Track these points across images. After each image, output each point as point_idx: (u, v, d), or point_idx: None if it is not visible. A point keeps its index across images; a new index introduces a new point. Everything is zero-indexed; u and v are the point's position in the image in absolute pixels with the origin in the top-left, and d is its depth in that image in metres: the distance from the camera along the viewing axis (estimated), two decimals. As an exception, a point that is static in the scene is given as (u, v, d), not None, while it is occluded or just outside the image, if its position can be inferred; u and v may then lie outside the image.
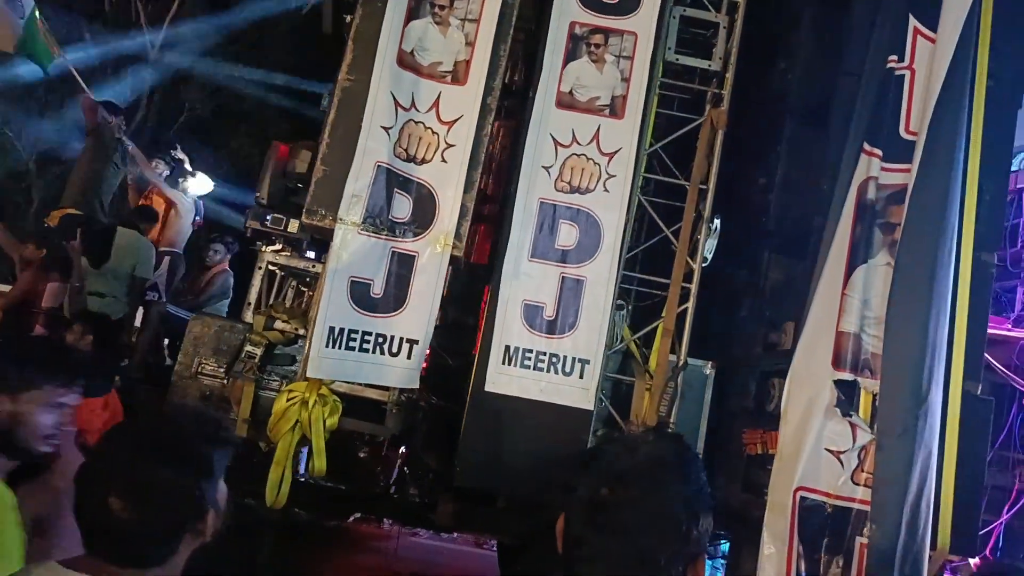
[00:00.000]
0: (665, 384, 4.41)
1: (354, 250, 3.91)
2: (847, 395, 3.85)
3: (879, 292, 3.97)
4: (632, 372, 4.74)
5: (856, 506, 3.72)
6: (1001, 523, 5.44)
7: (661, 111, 4.99)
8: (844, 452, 3.77)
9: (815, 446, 3.83)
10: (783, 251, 5.09)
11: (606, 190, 4.38)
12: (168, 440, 1.55)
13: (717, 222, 4.70)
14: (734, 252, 5.32)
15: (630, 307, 4.92)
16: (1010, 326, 6.63)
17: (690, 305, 4.50)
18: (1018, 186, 7.09)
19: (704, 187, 4.61)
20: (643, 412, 4.39)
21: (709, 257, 4.68)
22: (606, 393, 4.59)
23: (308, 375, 3.98)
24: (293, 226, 4.75)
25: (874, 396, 3.88)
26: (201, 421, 1.66)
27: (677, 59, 4.87)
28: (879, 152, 4.17)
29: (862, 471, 3.75)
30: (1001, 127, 4.45)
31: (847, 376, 3.90)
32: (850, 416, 3.75)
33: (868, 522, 3.63)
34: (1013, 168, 7.07)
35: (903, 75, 4.26)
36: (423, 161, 4.09)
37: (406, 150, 4.09)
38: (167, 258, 6.80)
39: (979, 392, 4.27)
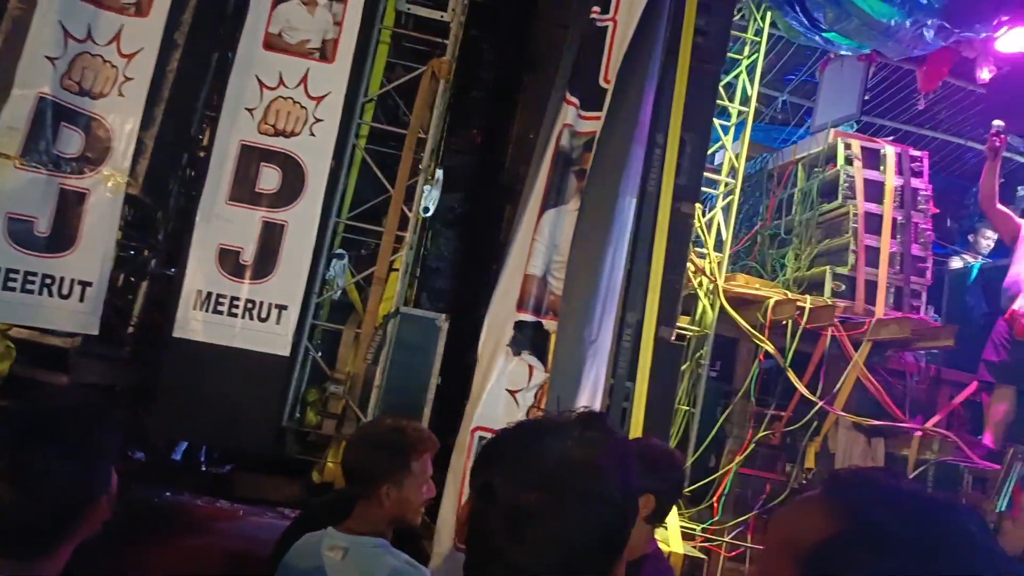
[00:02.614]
0: (374, 332, 4.36)
1: (11, 185, 3.67)
2: (525, 336, 3.89)
3: (567, 237, 4.04)
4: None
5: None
6: (728, 472, 5.68)
7: (398, 62, 4.94)
8: (520, 391, 3.81)
9: (496, 386, 3.86)
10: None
11: (312, 134, 4.28)
12: (56, 422, 1.41)
13: (440, 173, 4.68)
14: (484, 206, 5.34)
15: (363, 252, 4.82)
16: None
17: (403, 254, 4.46)
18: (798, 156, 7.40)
19: (423, 136, 4.58)
20: (349, 360, 4.33)
21: (432, 207, 4.66)
22: (319, 342, 4.51)
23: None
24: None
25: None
26: (90, 403, 1.56)
27: (408, 8, 4.83)
28: (576, 101, 4.24)
29: (537, 410, 3.80)
30: (704, 83, 4.61)
31: (529, 318, 3.95)
32: (520, 355, 3.79)
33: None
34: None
35: (606, 26, 4.34)
36: (99, 95, 3.88)
37: (79, 83, 3.87)
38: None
39: (672, 338, 4.42)
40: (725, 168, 6.45)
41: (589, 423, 1.16)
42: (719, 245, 6.29)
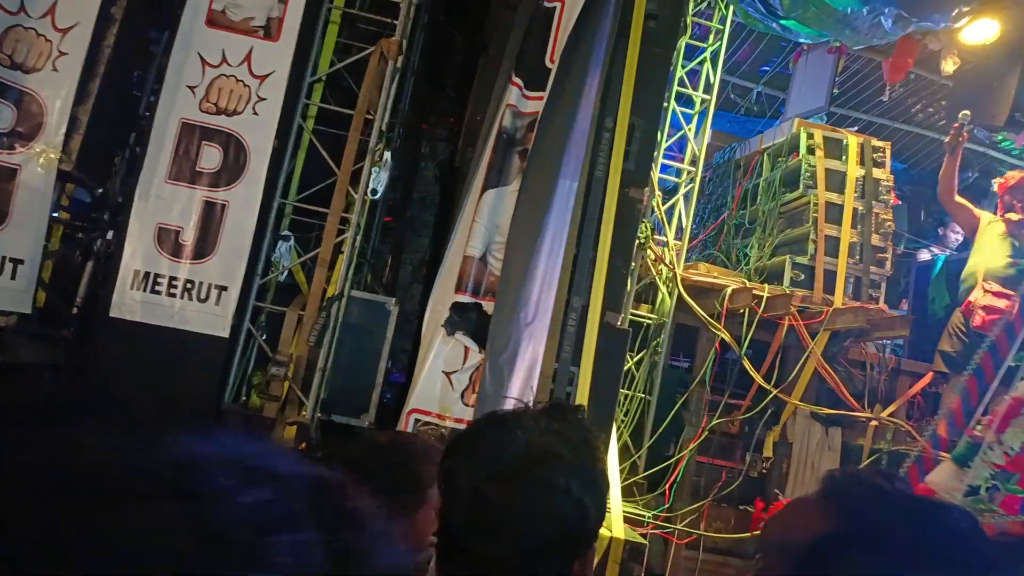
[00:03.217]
0: (317, 315, 4.33)
1: (-61, 160, 3.63)
2: (461, 317, 3.86)
3: (508, 218, 4.01)
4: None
5: (463, 427, 3.74)
6: (682, 459, 5.68)
7: (352, 43, 4.90)
8: (455, 372, 3.78)
9: (432, 368, 3.84)
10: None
11: (255, 113, 4.24)
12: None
13: (387, 155, 4.64)
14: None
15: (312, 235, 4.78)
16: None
17: (349, 236, 4.42)
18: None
19: (370, 117, 4.54)
20: (292, 342, 4.30)
21: (380, 190, 4.62)
22: (264, 325, 4.48)
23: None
24: None
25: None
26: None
27: (360, -12, 4.79)
28: (521, 82, 4.21)
29: (472, 391, 3.78)
30: (655, 67, 4.57)
31: (467, 299, 3.92)
32: (455, 336, 3.77)
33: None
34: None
35: (554, 7, 4.31)
36: (32, 69, 3.83)
37: (11, 56, 3.81)
38: None
39: (619, 324, 4.40)
40: (688, 156, 6.44)
41: (558, 415, 1.15)
42: (680, 233, 6.28)
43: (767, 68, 10.16)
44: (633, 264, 6.01)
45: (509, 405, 3.68)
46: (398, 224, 6.75)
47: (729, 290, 5.95)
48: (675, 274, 5.92)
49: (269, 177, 4.25)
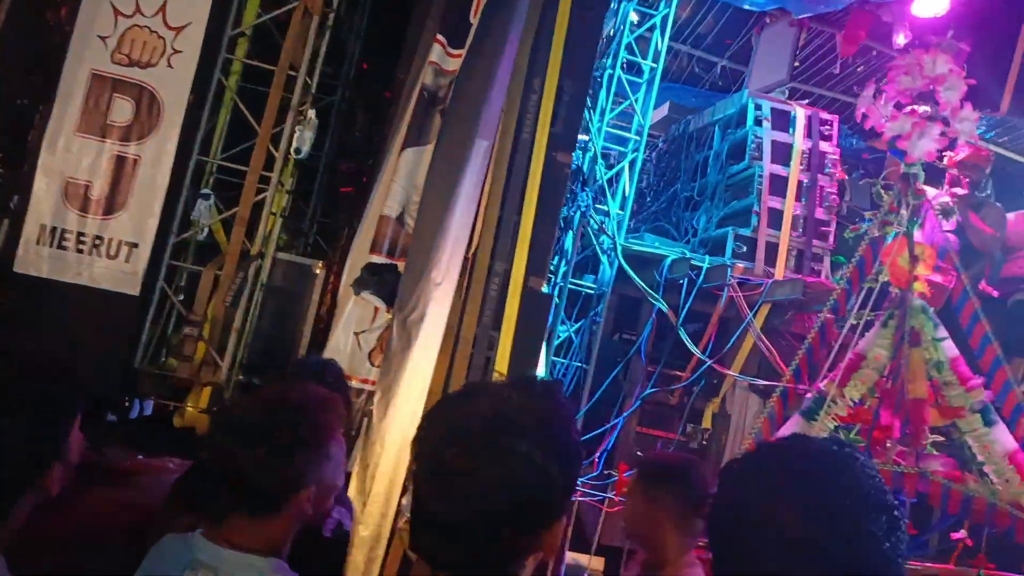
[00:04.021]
0: (235, 275, 4.24)
1: None
2: (372, 276, 3.80)
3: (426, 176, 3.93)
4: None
5: (369, 387, 3.70)
6: (617, 423, 5.67)
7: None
8: (364, 332, 3.72)
9: (344, 328, 3.77)
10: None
11: (170, 66, 4.12)
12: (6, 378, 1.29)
13: (312, 113, 4.53)
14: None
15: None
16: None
17: (268, 194, 4.33)
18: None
19: (293, 74, 4.43)
20: (207, 302, 4.22)
21: (304, 149, 4.52)
22: (183, 284, 4.39)
23: None
24: None
25: (410, 279, 3.85)
26: (46, 359, 1.39)
27: (289, -59, 4.64)
28: (444, 40, 4.11)
29: (380, 351, 3.72)
30: (585, 29, 4.48)
31: (382, 259, 3.85)
32: (363, 295, 3.70)
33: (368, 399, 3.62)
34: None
35: (479, -35, 4.20)
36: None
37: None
38: None
39: (542, 288, 4.35)
40: (634, 126, 6.38)
41: (526, 387, 1.15)
42: (624, 203, 6.24)
43: (731, 42, 10.09)
44: (574, 232, 5.98)
45: (414, 366, 3.58)
46: (356, 193, 6.65)
47: (668, 260, 5.92)
48: (615, 244, 5.88)
49: (185, 133, 4.14)
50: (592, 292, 6.13)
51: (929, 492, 2.83)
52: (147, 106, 4.05)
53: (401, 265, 3.87)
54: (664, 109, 9.90)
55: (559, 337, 5.92)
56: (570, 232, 6.01)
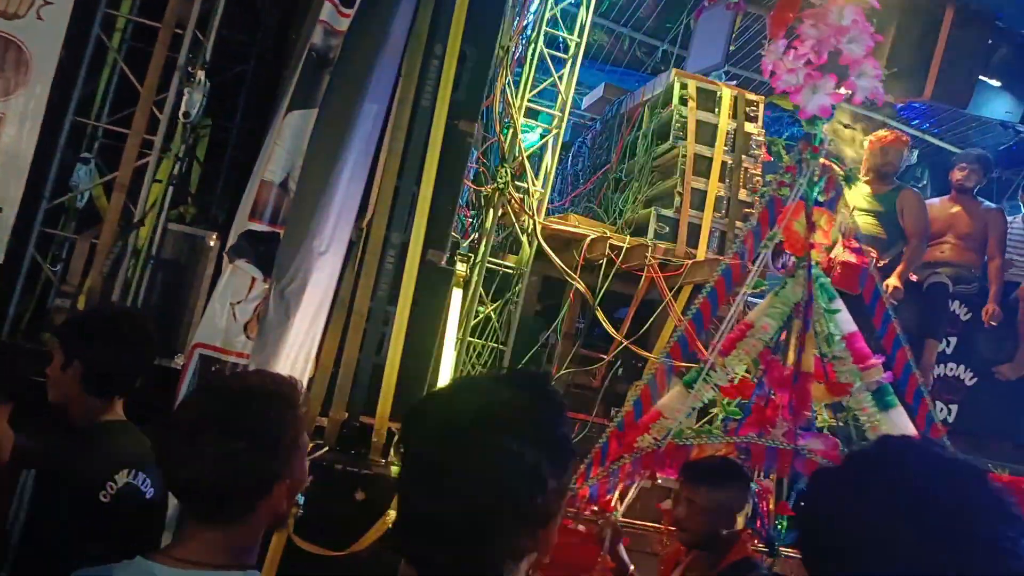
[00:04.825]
0: (113, 243, 4.00)
1: None
2: (250, 244, 3.59)
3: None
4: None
5: (245, 361, 3.50)
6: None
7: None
8: (240, 303, 3.52)
9: (220, 299, 3.57)
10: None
11: (40, 18, 3.85)
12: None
13: (201, 75, 4.29)
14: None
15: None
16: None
17: (152, 158, 4.09)
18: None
19: (180, 32, 4.19)
20: (81, 272, 3.97)
21: (193, 112, 4.27)
22: (60, 254, 4.14)
23: None
24: None
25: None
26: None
27: None
28: (336, -2, 3.91)
29: (255, 323, 3.52)
30: (491, -8, 4.32)
31: (262, 227, 3.65)
32: (238, 263, 3.50)
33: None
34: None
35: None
36: None
37: None
38: None
39: (443, 262, 4.19)
40: (558, 103, 6.24)
41: (521, 383, 1.11)
42: (545, 182, 6.09)
43: (671, 26, 10.03)
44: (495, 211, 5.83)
45: (294, 339, 3.38)
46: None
47: (588, 240, 5.80)
48: (534, 223, 5.74)
49: (59, 91, 3.88)
50: (512, 272, 5.98)
51: (805, 472, 2.72)
52: (13, 61, 3.78)
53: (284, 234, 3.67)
54: (599, 91, 9.82)
55: (477, 315, 5.77)
56: (491, 211, 5.85)
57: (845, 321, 3.28)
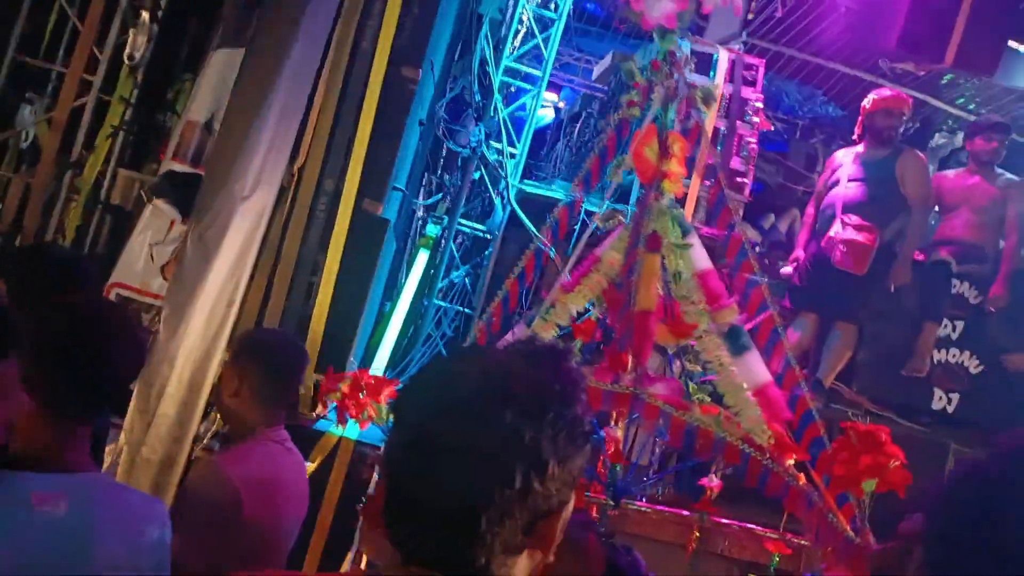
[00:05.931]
0: (49, 182, 3.94)
1: None
2: (172, 184, 3.48)
3: (244, 83, 3.60)
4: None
5: (160, 303, 3.41)
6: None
7: None
8: (158, 245, 3.43)
9: (139, 239, 3.48)
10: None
11: (-23, -49, 3.78)
12: None
13: (146, 16, 4.18)
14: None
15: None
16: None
17: (90, 97, 4.01)
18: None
19: (125, -30, 4.09)
20: (14, 211, 3.92)
21: (138, 56, 4.17)
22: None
23: None
24: None
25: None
26: None
27: None
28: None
29: (174, 263, 3.42)
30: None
31: (184, 167, 3.54)
32: (158, 203, 3.40)
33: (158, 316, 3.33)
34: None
35: None
36: None
37: None
38: None
39: (380, 212, 4.03)
40: (544, 64, 6.03)
41: (530, 352, 0.99)
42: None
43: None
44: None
45: (212, 284, 3.26)
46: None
47: (560, 206, 5.58)
48: (507, 184, 5.56)
49: (-4, 27, 3.82)
50: (484, 235, 5.81)
51: (644, 416, 2.46)
52: (-52, -6, 3.73)
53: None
54: (608, 60, 9.52)
55: (444, 280, 5.62)
56: (465, 171, 5.68)
57: (699, 258, 2.89)
